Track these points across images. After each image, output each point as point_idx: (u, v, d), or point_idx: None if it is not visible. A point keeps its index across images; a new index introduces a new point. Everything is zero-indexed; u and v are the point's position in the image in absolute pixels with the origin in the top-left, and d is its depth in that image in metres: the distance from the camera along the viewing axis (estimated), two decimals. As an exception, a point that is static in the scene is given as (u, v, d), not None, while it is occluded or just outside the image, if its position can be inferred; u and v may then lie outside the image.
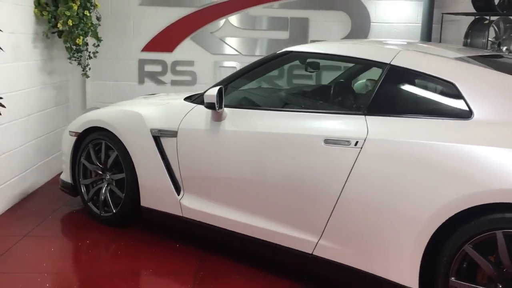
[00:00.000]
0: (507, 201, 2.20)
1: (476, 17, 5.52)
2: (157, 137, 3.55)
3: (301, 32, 6.05)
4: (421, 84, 2.75)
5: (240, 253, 3.39)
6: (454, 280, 2.38)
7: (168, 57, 5.92)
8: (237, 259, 3.38)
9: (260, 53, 6.01)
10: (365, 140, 2.64)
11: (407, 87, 2.77)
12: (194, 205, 3.40)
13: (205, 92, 3.47)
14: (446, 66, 2.68)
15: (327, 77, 4.21)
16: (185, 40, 5.92)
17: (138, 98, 4.45)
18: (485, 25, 5.41)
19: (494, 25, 5.36)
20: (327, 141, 2.77)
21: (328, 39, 5.93)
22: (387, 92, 2.76)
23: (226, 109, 3.27)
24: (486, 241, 2.29)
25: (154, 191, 3.61)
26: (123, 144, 3.72)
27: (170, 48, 5.93)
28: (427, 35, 5.87)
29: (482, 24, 5.46)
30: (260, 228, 3.07)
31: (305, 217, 2.89)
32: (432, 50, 2.88)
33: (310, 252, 2.88)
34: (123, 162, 3.75)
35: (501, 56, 3.23)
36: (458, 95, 2.52)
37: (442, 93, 2.64)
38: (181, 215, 3.48)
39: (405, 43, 3.32)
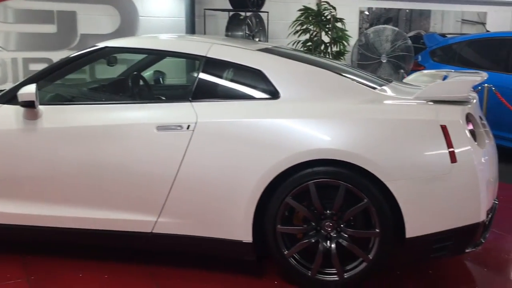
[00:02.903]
0: (313, 159, 2.89)
1: (233, 12, 6.36)
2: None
3: (69, 25, 6.00)
4: (234, 72, 3.26)
5: (70, 248, 3.42)
6: (280, 227, 2.99)
7: None
8: (68, 256, 3.39)
9: (26, 48, 5.76)
10: (196, 123, 3.03)
11: (223, 75, 3.25)
12: (6, 210, 3.26)
13: (12, 90, 3.34)
14: (252, 56, 3.25)
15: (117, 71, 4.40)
16: None
17: None
18: (241, 20, 6.29)
19: (248, 20, 6.28)
20: (159, 128, 3.07)
21: (98, 33, 6.03)
22: (207, 81, 3.20)
23: (40, 107, 3.23)
24: (301, 191, 2.95)
25: None
26: None
27: None
28: (191, 29, 6.48)
29: (239, 19, 6.32)
30: (96, 219, 3.17)
31: (142, 200, 3.12)
32: (237, 44, 3.42)
33: (150, 231, 3.16)
34: None
35: (279, 47, 3.97)
36: (266, 80, 3.12)
37: (252, 79, 3.19)
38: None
39: (213, 38, 3.79)
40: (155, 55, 3.80)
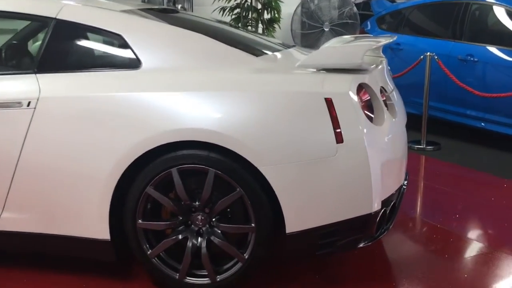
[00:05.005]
0: (177, 140, 2.39)
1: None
2: None
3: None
4: (90, 38, 2.72)
5: None
6: (141, 222, 2.51)
7: None
8: None
9: None
10: (38, 100, 2.51)
11: (76, 42, 2.71)
12: None
13: None
14: (112, 18, 2.71)
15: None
16: None
17: None
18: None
19: (169, -16, 5.73)
20: (-5, 105, 2.54)
21: None
22: (56, 48, 2.66)
23: None
24: (165, 180, 2.46)
25: None
26: None
27: None
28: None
29: (159, -17, 5.77)
30: None
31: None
32: (99, 4, 2.88)
33: (-7, 229, 2.65)
34: None
35: (176, 11, 3.44)
36: (126, 46, 2.59)
37: (111, 45, 2.69)
38: None
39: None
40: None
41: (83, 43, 2.73)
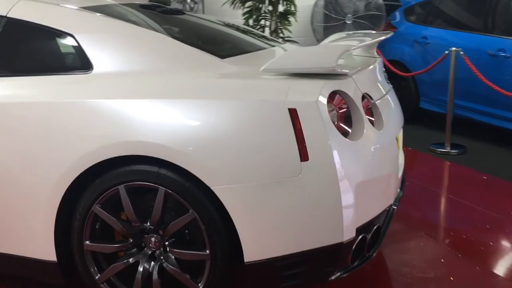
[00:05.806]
0: (124, 154, 2.13)
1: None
2: None
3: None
4: (41, 38, 2.47)
5: None
6: (88, 243, 2.26)
7: None
8: None
9: None
10: (-20, 106, 2.30)
11: (27, 42, 2.47)
12: None
13: None
14: (66, 16, 2.46)
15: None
16: None
17: None
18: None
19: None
20: None
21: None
22: (5, 50, 2.44)
23: None
24: (113, 198, 2.21)
25: None
26: None
27: None
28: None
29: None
30: None
31: None
32: (57, 0, 2.63)
33: None
34: None
35: (182, 12, 3.18)
36: (78, 48, 2.34)
37: (63, 46, 2.43)
38: None
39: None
40: None
41: (33, 44, 2.49)
